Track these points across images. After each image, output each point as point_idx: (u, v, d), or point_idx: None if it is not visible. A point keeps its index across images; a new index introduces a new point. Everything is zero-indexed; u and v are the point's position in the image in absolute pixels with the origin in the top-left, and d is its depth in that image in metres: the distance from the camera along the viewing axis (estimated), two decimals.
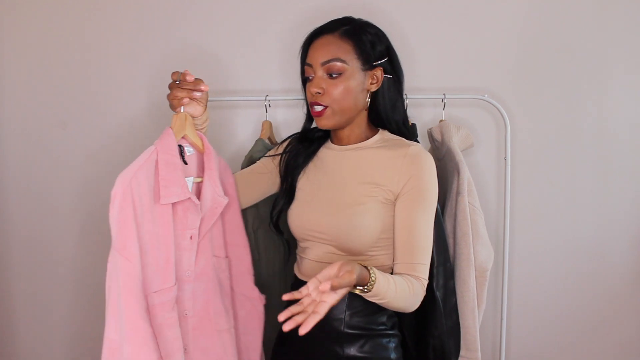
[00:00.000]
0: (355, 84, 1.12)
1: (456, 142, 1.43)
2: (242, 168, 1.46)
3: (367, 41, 1.13)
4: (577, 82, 1.64)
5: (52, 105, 1.67)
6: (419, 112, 1.59)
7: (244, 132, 1.67)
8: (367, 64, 1.13)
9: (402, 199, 1.10)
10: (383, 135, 1.19)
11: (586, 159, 1.66)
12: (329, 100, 1.11)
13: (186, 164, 1.05)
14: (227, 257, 1.14)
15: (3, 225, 1.71)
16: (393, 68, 1.18)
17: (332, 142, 1.23)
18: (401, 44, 1.60)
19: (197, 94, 1.05)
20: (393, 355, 1.14)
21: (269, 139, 1.55)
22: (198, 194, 1.07)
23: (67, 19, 1.64)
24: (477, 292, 1.35)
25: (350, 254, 1.13)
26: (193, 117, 1.09)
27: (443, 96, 1.50)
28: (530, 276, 1.69)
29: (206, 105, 1.11)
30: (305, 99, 1.19)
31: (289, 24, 1.62)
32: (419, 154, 1.11)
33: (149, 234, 0.94)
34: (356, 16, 1.20)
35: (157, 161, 0.98)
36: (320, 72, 1.11)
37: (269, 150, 1.51)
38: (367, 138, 1.19)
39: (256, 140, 1.51)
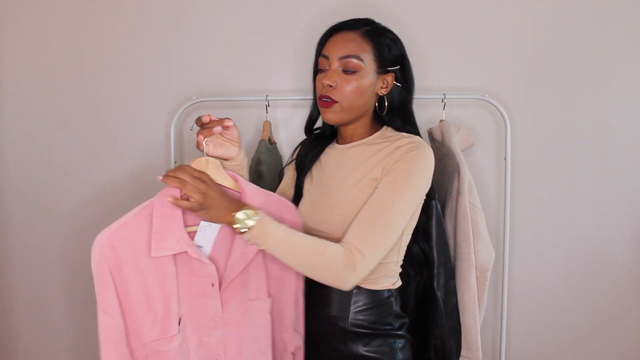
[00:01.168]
0: (367, 85, 1.12)
1: (456, 142, 1.43)
2: (249, 169, 1.46)
3: (385, 45, 1.14)
4: (578, 82, 1.64)
5: (52, 105, 1.66)
6: (419, 112, 1.58)
7: (246, 133, 1.67)
8: (382, 67, 1.14)
9: (383, 179, 1.08)
10: (385, 132, 1.18)
11: (586, 159, 1.66)
12: (340, 95, 1.11)
13: None
14: (270, 296, 1.07)
15: (2, 224, 1.70)
16: (404, 77, 1.18)
17: (337, 142, 1.23)
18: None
19: (217, 129, 1.01)
20: (399, 356, 1.13)
21: (269, 139, 1.55)
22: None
23: (66, 19, 1.64)
24: (477, 292, 1.35)
25: None
26: (227, 160, 1.08)
27: (443, 96, 1.50)
28: (530, 276, 1.69)
29: (240, 146, 1.10)
30: (314, 91, 1.19)
31: (292, 23, 1.62)
32: (414, 142, 1.09)
33: (137, 286, 0.95)
34: (358, 15, 1.20)
35: (152, 214, 0.96)
36: (336, 66, 1.12)
37: (271, 150, 1.51)
38: (367, 136, 1.19)
39: (259, 141, 1.51)
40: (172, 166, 1.57)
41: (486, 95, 1.54)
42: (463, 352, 1.35)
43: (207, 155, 1.02)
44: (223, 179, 1.03)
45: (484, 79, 1.63)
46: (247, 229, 0.97)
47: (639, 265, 1.70)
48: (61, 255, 1.70)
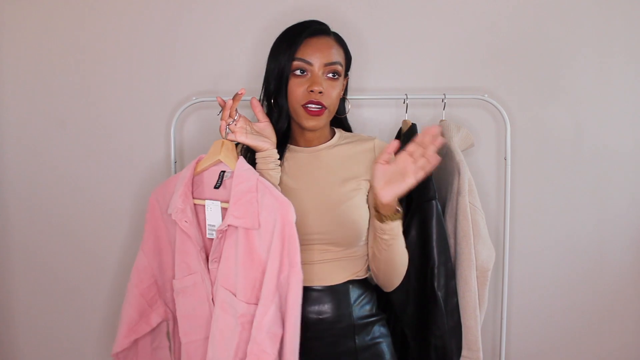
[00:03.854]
0: (341, 89, 1.18)
1: (457, 142, 1.43)
2: None
3: (348, 50, 1.22)
4: (577, 82, 1.64)
5: (52, 106, 1.66)
6: (419, 112, 1.59)
7: None
8: (346, 71, 1.22)
9: None
10: (341, 133, 1.25)
11: (586, 159, 1.66)
12: (328, 101, 1.13)
13: (217, 187, 1.11)
14: (249, 303, 1.06)
15: (1, 225, 1.70)
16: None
17: (297, 144, 1.23)
18: (401, 44, 1.62)
19: (228, 102, 1.10)
20: (390, 336, 1.23)
21: None
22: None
23: (66, 19, 1.63)
24: (478, 292, 1.35)
25: (345, 247, 1.16)
26: (257, 151, 1.13)
27: (443, 96, 1.50)
28: (530, 276, 1.69)
29: (273, 144, 1.14)
30: (284, 93, 1.15)
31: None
32: (384, 144, 1.22)
33: (166, 234, 1.16)
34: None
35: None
36: (321, 72, 1.13)
37: None
38: (330, 138, 1.23)
39: None
40: (172, 166, 1.57)
41: (486, 95, 1.54)
42: (464, 352, 1.35)
43: (227, 139, 1.11)
44: (230, 161, 1.09)
45: (484, 79, 1.63)
46: (399, 218, 1.06)
47: (639, 265, 1.70)
48: (61, 255, 1.70)
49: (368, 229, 1.18)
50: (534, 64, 1.63)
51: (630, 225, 1.69)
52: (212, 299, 1.09)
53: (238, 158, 1.09)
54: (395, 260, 1.12)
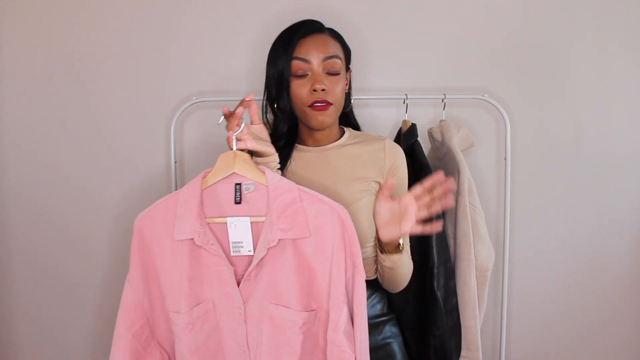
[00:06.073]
0: (344, 84, 1.16)
1: (456, 142, 1.43)
2: None
3: (346, 44, 1.20)
4: (578, 82, 1.64)
5: (52, 106, 1.66)
6: (419, 112, 1.59)
7: None
8: (347, 65, 1.20)
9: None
10: (350, 132, 1.23)
11: (586, 159, 1.66)
12: (333, 97, 1.12)
13: (238, 202, 1.02)
14: (308, 310, 1.03)
15: (2, 225, 1.70)
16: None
17: (306, 144, 1.21)
18: (401, 44, 1.62)
19: (239, 110, 1.01)
20: (401, 336, 1.21)
21: None
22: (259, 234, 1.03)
23: (65, 19, 1.64)
24: (477, 292, 1.35)
25: None
26: (264, 156, 1.06)
27: (443, 96, 1.50)
28: (530, 276, 1.69)
29: (269, 143, 1.08)
30: (287, 96, 1.14)
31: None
32: (394, 146, 1.19)
33: (163, 262, 1.05)
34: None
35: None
36: (320, 69, 1.11)
37: None
38: (339, 137, 1.21)
39: None
40: (172, 166, 1.57)
41: (486, 95, 1.54)
42: (463, 352, 1.35)
43: (237, 149, 1.01)
44: (252, 173, 1.02)
45: (484, 79, 1.63)
46: (400, 252, 1.06)
47: (639, 265, 1.70)
48: (60, 255, 1.70)
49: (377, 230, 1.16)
50: (534, 64, 1.63)
51: (631, 224, 1.69)
52: (245, 320, 1.03)
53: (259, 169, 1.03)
54: (398, 278, 1.12)
